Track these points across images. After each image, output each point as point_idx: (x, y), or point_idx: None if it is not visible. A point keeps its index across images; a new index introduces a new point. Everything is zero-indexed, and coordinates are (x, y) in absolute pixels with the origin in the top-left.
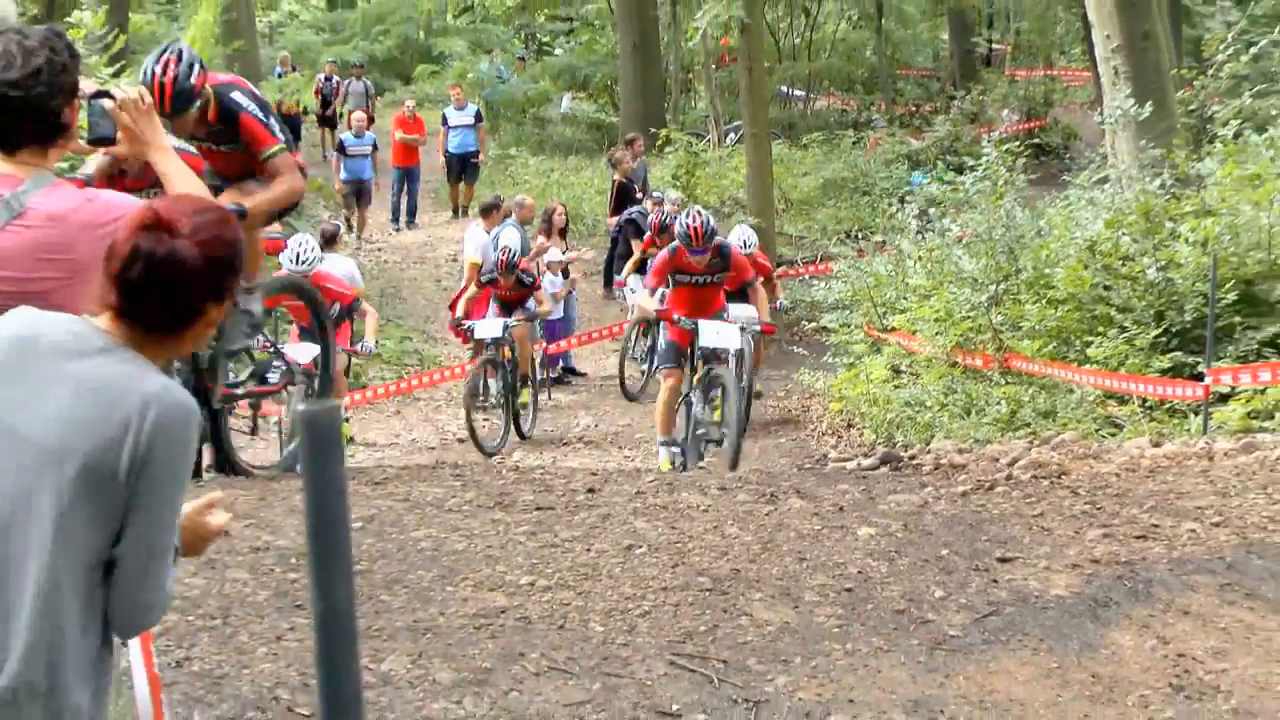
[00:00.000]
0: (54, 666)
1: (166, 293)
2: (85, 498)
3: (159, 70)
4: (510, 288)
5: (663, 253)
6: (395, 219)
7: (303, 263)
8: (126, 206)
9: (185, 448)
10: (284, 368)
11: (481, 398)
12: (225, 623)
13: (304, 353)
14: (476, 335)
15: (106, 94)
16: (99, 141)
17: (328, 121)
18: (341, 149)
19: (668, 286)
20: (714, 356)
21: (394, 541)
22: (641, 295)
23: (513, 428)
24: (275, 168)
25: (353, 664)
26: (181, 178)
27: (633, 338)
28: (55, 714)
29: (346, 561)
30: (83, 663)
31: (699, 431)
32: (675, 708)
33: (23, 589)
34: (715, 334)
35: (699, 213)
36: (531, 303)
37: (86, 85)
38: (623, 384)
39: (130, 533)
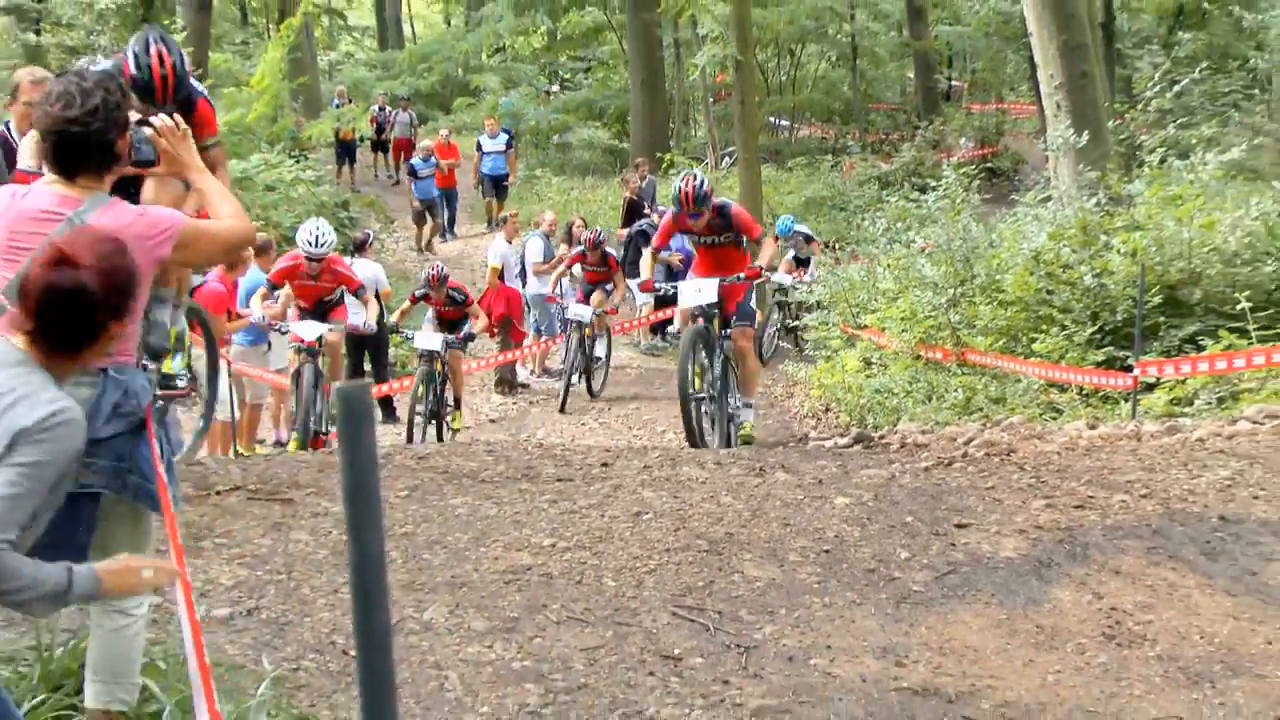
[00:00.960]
0: None
1: (72, 318)
2: None
3: (156, 61)
4: (443, 303)
5: (666, 215)
6: (442, 234)
7: (320, 245)
8: (172, 220)
9: (70, 449)
10: (189, 375)
11: (420, 405)
12: (289, 577)
13: (308, 330)
14: (414, 345)
15: (147, 122)
16: (142, 164)
17: (380, 146)
18: (413, 172)
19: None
20: (704, 315)
21: (434, 508)
22: (644, 260)
23: (436, 433)
24: (215, 157)
25: (383, 599)
26: (219, 195)
27: (571, 348)
28: None
29: (377, 513)
30: None
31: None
32: (677, 652)
33: None
34: (695, 292)
35: (693, 176)
36: (468, 324)
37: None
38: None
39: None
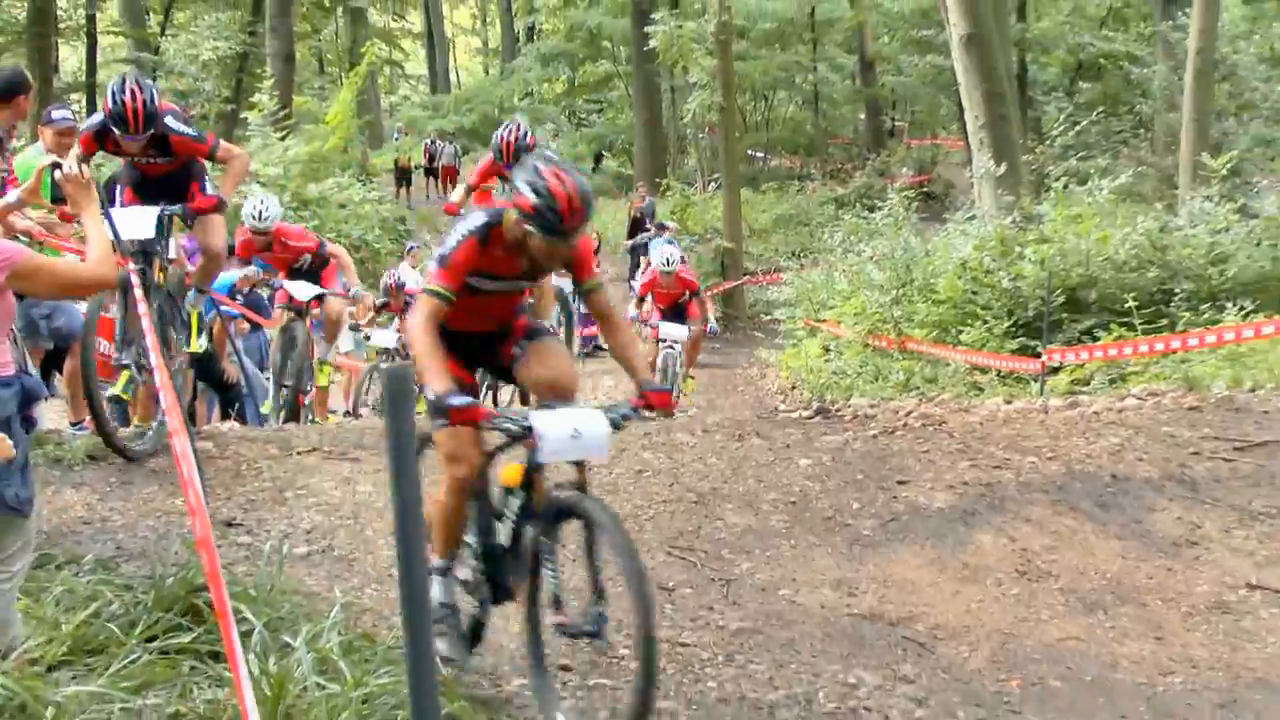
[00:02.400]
0: None
1: None
2: None
3: (129, 97)
4: (401, 309)
5: (484, 161)
6: None
7: (263, 219)
8: (11, 253)
9: None
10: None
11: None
12: (356, 522)
13: (300, 290)
14: (372, 343)
15: (57, 165)
16: (56, 200)
17: (431, 172)
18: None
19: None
20: (669, 343)
21: None
22: (631, 305)
23: None
24: (227, 152)
25: (419, 539)
26: (95, 239)
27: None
28: None
29: (414, 470)
30: None
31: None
32: (671, 584)
33: None
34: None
35: (517, 125)
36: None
37: (45, 158)
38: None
39: None
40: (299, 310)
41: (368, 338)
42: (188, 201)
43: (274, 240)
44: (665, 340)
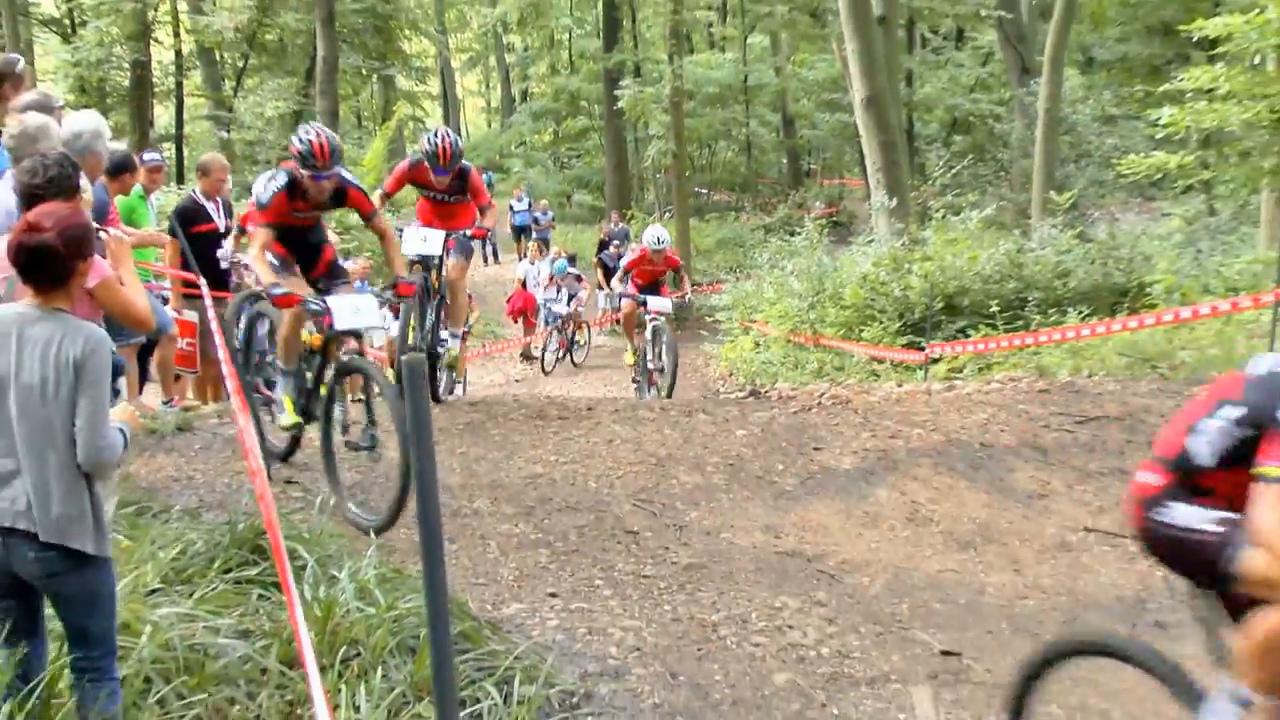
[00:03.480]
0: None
1: (45, 262)
2: (65, 402)
3: (314, 138)
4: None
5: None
6: (485, 261)
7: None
8: (104, 270)
9: (106, 361)
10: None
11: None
12: (385, 479)
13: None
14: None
15: (105, 231)
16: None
17: None
18: (511, 210)
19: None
20: (654, 315)
21: (480, 436)
22: (615, 284)
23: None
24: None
25: (434, 494)
26: (136, 292)
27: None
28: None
29: (430, 440)
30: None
31: (650, 367)
32: (635, 529)
33: (47, 457)
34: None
35: (447, 133)
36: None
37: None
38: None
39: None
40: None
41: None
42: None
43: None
44: (652, 313)
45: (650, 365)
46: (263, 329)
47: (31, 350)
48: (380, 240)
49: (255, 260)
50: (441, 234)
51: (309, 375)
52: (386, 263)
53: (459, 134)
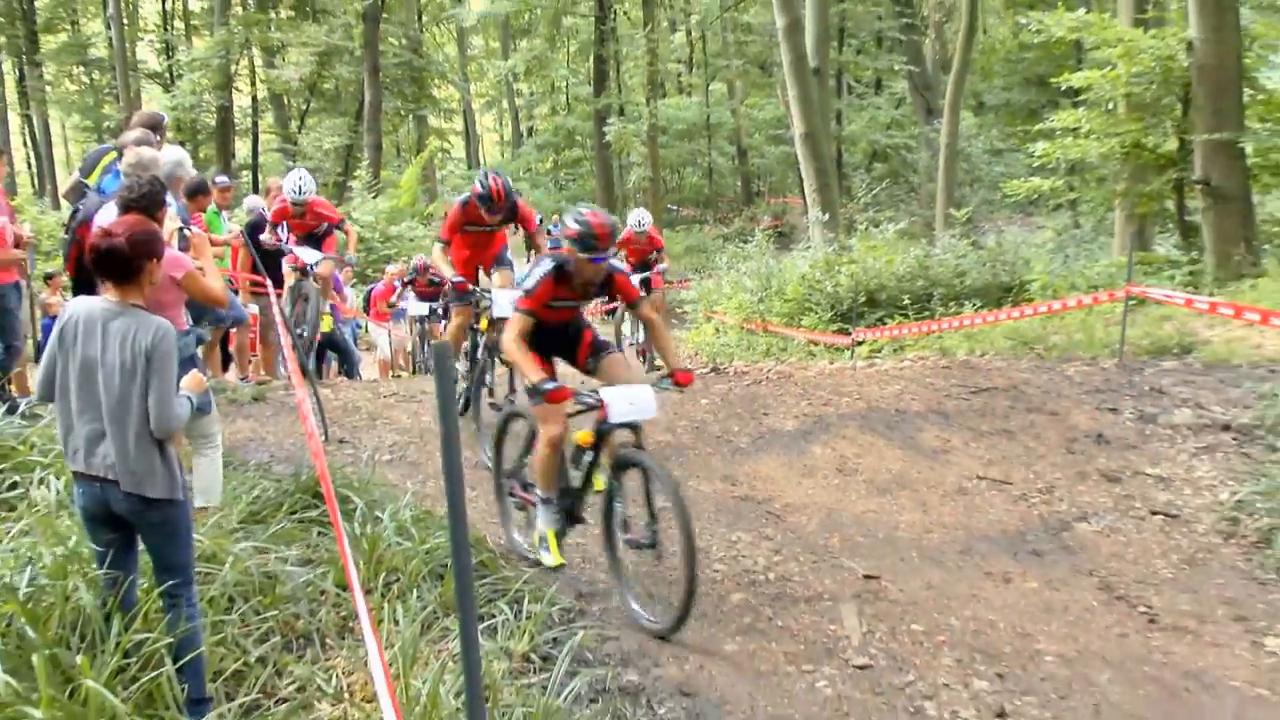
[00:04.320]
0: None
1: (115, 263)
2: (139, 381)
3: (493, 184)
4: (425, 285)
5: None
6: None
7: (302, 194)
8: (184, 264)
9: (171, 349)
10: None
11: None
12: (421, 440)
13: (308, 254)
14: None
15: (187, 227)
16: (183, 248)
17: None
18: (550, 231)
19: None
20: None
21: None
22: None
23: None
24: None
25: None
26: (214, 278)
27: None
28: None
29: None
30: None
31: (640, 346)
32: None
33: (126, 425)
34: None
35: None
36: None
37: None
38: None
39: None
40: (305, 271)
41: (402, 310)
42: (504, 252)
43: (307, 210)
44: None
45: (638, 345)
46: (517, 427)
47: (113, 339)
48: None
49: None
50: (650, 391)
51: (576, 473)
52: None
53: (478, 163)
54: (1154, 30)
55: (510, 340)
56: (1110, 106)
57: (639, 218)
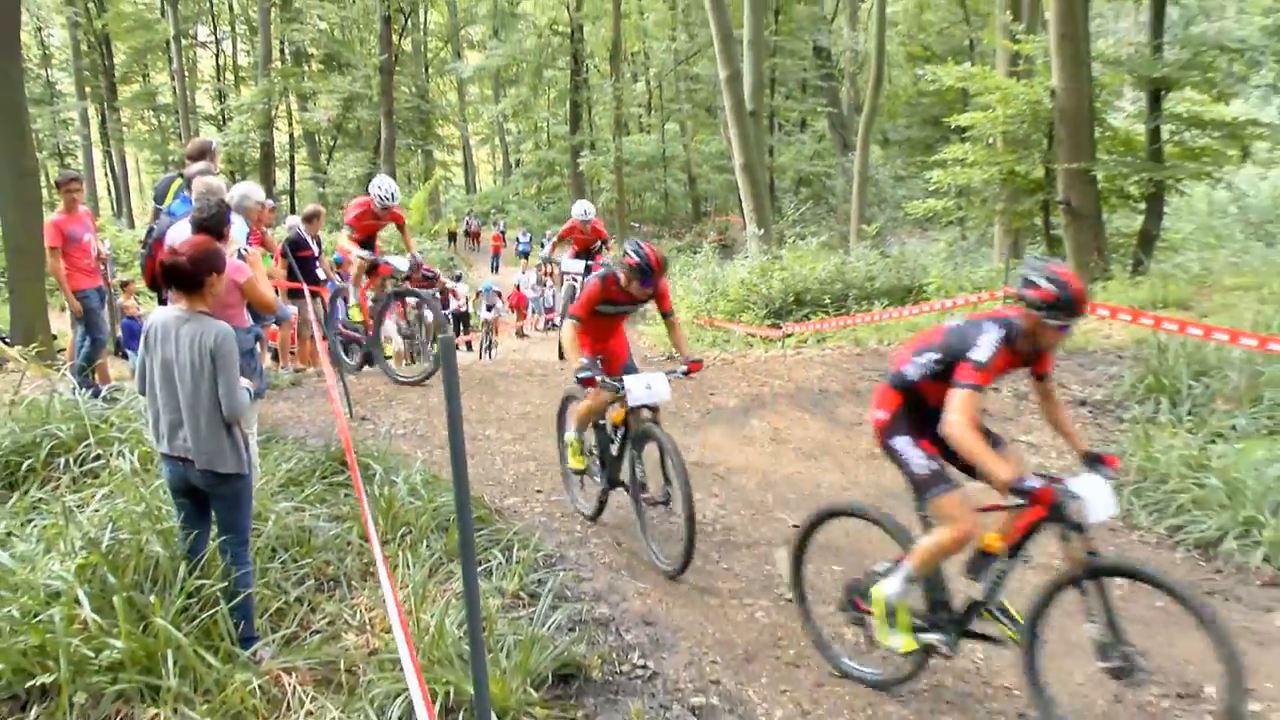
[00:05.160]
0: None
1: (180, 277)
2: (207, 376)
3: (650, 253)
4: (419, 281)
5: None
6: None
7: (393, 199)
8: (244, 271)
9: (232, 349)
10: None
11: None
12: (429, 417)
13: (401, 261)
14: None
15: (247, 249)
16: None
17: (468, 234)
18: (517, 241)
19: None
20: (571, 275)
21: (490, 387)
22: (547, 249)
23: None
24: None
25: (461, 430)
26: (264, 286)
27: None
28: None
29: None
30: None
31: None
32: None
33: (200, 413)
34: (571, 264)
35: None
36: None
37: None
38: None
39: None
40: (392, 276)
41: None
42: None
43: (387, 214)
44: (568, 274)
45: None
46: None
47: (184, 342)
48: (669, 326)
49: (571, 347)
50: (664, 378)
51: (613, 444)
52: (674, 344)
53: (475, 189)
54: (1024, 80)
55: (567, 334)
56: (990, 141)
57: (584, 208)
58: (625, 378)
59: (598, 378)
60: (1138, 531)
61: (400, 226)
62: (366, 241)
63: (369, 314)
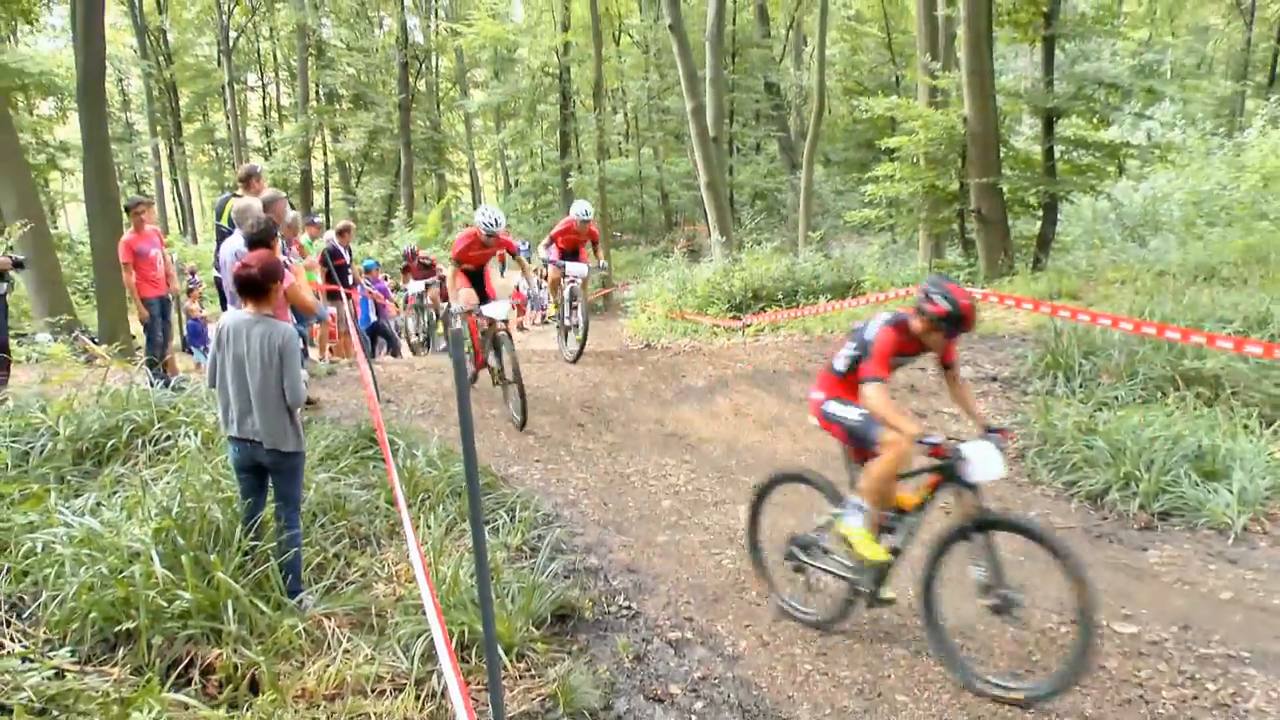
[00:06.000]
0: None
1: (252, 286)
2: (275, 370)
3: (960, 299)
4: (417, 270)
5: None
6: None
7: (498, 225)
8: (289, 278)
9: (296, 346)
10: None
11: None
12: (445, 401)
13: (498, 310)
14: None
15: (290, 260)
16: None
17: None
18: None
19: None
20: (572, 278)
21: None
22: (540, 249)
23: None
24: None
25: (469, 407)
26: (306, 292)
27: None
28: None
29: (466, 377)
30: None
31: (566, 324)
32: (583, 422)
33: (268, 402)
34: (575, 268)
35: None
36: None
37: (315, 247)
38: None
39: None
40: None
41: (403, 289)
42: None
43: (496, 240)
44: (570, 276)
45: (566, 322)
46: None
47: (255, 341)
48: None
49: (877, 404)
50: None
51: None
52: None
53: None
54: (942, 109)
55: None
56: (915, 160)
57: (585, 207)
58: (964, 447)
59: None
60: (1040, 487)
61: (594, 241)
62: (476, 271)
63: (479, 344)
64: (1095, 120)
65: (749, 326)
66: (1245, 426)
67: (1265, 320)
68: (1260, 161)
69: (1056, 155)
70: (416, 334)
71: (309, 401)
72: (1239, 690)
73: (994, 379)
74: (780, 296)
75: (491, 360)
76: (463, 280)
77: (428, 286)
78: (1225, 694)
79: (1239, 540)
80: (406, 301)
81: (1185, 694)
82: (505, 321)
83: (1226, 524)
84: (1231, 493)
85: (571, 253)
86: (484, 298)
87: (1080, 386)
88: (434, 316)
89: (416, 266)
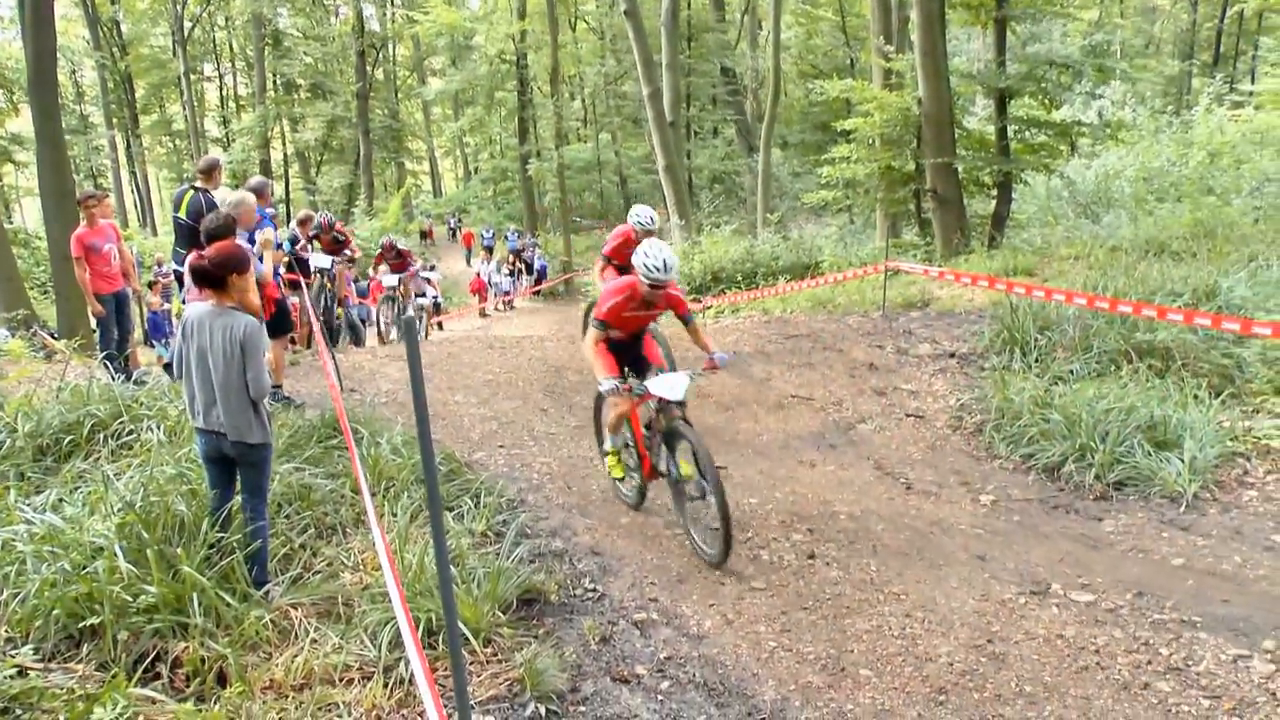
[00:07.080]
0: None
1: (205, 277)
2: (237, 363)
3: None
4: (393, 263)
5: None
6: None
7: (667, 271)
8: (260, 269)
9: (258, 339)
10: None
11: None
12: (406, 388)
13: (674, 386)
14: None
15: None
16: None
17: (452, 234)
18: (481, 236)
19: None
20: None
21: (456, 359)
22: (598, 267)
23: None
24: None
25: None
26: (253, 292)
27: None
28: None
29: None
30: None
31: (690, 493)
32: (545, 407)
33: (231, 394)
34: (659, 387)
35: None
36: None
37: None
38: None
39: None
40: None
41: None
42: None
43: (662, 300)
44: (658, 400)
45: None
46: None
47: (217, 333)
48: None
49: (590, 351)
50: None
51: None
52: (698, 344)
53: (440, 194)
54: (896, 91)
55: (589, 345)
56: (870, 142)
57: (649, 214)
58: (648, 380)
59: (625, 384)
60: (998, 460)
61: (683, 313)
62: (624, 267)
63: (642, 443)
64: (1047, 100)
65: (709, 309)
66: (1195, 396)
67: (1213, 292)
68: (1206, 138)
69: (1010, 135)
70: (386, 324)
71: (287, 398)
72: (1190, 654)
73: (951, 355)
74: (739, 278)
75: (664, 463)
76: (602, 348)
77: (400, 282)
78: (1178, 658)
79: (1190, 508)
80: (372, 289)
81: (1140, 659)
82: (683, 404)
83: (1178, 492)
84: (1183, 462)
85: (622, 268)
86: (642, 367)
87: (1036, 361)
88: (404, 309)
89: (393, 258)
